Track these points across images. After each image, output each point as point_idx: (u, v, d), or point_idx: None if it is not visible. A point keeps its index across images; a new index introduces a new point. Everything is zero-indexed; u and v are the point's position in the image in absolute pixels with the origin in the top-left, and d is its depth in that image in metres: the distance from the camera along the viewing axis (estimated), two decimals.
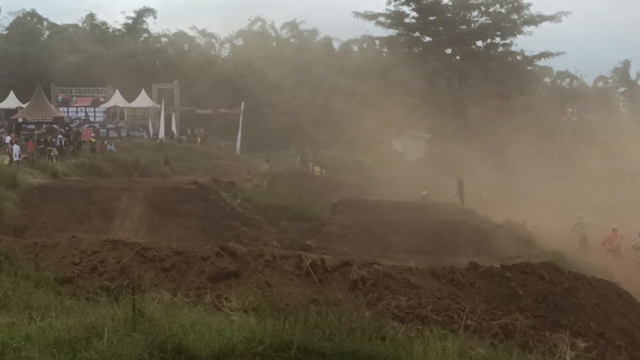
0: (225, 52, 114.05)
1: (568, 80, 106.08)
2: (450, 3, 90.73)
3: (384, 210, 41.59)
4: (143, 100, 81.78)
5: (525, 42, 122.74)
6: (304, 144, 79.78)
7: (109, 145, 66.66)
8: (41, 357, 9.15)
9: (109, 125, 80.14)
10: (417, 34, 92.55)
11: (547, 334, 14.00)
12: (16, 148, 48.17)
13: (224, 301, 13.58)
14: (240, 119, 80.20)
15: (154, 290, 13.13)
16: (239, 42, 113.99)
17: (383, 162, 71.67)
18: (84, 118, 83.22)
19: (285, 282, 15.62)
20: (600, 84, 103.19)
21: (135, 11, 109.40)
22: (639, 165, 65.02)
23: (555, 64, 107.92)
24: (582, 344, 13.34)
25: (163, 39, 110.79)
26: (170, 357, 9.31)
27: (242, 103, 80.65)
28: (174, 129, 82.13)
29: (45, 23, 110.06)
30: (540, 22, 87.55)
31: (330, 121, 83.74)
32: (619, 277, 24.76)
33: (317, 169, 69.60)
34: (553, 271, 17.93)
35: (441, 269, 17.15)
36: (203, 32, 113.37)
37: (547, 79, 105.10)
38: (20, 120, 67.28)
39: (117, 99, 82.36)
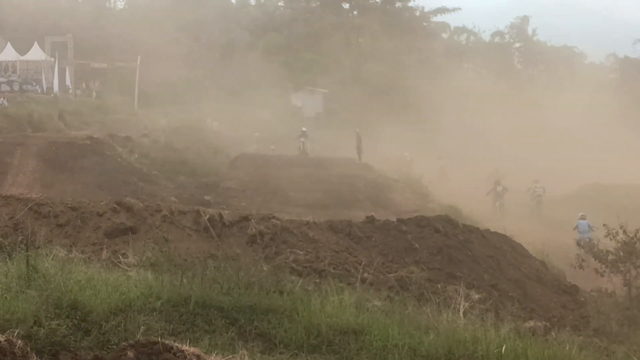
0: (120, 4, 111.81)
1: (465, 35, 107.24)
2: None
3: (282, 165, 41.66)
4: (36, 53, 79.65)
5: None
6: (202, 99, 79.04)
7: (0, 99, 64.85)
8: None
9: (1, 79, 77.94)
10: None
11: (442, 286, 14.30)
12: None
13: (120, 257, 13.47)
14: (137, 73, 78.96)
15: (48, 247, 12.94)
16: None
17: (282, 117, 71.65)
18: None
19: (183, 238, 15.58)
20: (497, 39, 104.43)
21: None
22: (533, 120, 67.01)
23: (454, 20, 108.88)
24: (476, 296, 13.68)
25: None
26: (65, 314, 9.19)
27: (139, 57, 79.36)
28: (68, 82, 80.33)
29: None
30: None
31: (228, 76, 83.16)
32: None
33: (215, 123, 69.15)
34: (448, 224, 18.28)
35: (339, 222, 17.32)
36: None
37: (444, 35, 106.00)
38: None
39: (8, 52, 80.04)
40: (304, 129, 53.68)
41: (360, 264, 14.38)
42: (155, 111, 72.37)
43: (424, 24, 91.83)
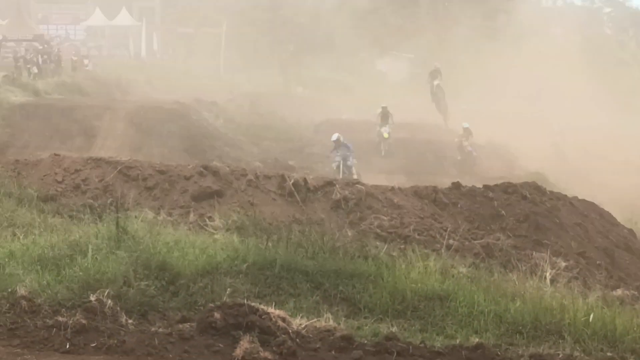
0: None
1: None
2: None
3: (367, 130, 41.54)
4: (124, 18, 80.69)
5: None
6: (287, 64, 79.15)
7: (90, 64, 65.94)
8: (25, 273, 9.17)
9: (90, 44, 79.19)
10: None
11: (529, 253, 14.12)
12: None
13: (207, 220, 13.62)
14: (223, 38, 79.40)
15: (137, 209, 13.15)
16: None
17: (366, 82, 71.31)
18: (64, 36, 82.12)
19: (268, 202, 15.65)
20: (587, 3, 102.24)
21: None
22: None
23: None
24: (562, 263, 13.49)
25: None
26: (154, 275, 9.35)
27: (225, 21, 79.75)
28: (155, 47, 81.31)
29: None
30: None
31: (313, 41, 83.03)
32: None
33: (299, 88, 69.27)
34: (535, 191, 18.01)
35: (424, 188, 17.19)
36: None
37: None
38: None
39: (97, 17, 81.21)
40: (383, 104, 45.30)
41: (445, 230, 14.27)
42: (241, 76, 72.76)
43: None
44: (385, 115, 41.64)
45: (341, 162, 33.53)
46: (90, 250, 9.68)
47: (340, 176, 32.25)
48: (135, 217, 11.72)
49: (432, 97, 50.04)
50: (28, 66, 55.73)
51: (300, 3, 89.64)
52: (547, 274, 11.56)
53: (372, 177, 31.19)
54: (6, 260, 9.58)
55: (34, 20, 78.25)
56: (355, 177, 32.68)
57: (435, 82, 50.28)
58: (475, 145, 40.41)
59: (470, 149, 39.64)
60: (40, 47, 61.17)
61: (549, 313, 9.39)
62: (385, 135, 40.67)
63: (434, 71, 51.15)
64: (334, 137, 34.45)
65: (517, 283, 10.79)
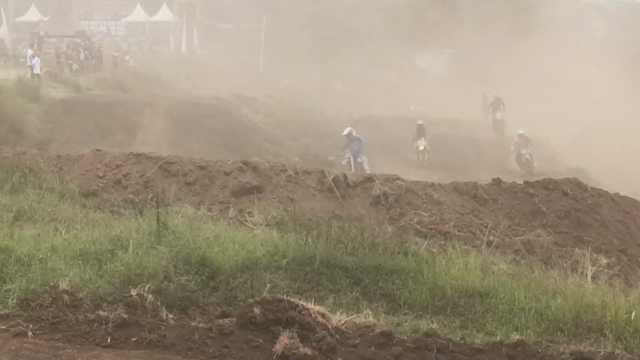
0: None
1: None
2: None
3: (406, 126, 41.46)
4: (164, 14, 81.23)
5: None
6: (326, 60, 79.16)
7: (131, 60, 66.46)
8: (67, 268, 9.25)
9: (131, 40, 79.81)
10: None
11: (570, 250, 14.02)
12: (37, 61, 47.94)
13: (246, 215, 13.66)
14: (263, 34, 79.59)
15: (177, 204, 13.21)
16: None
17: (406, 77, 71.12)
18: (105, 32, 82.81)
19: (308, 197, 15.68)
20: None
21: None
22: None
23: None
24: (604, 260, 13.36)
25: None
26: (194, 270, 9.38)
27: (264, 17, 79.95)
28: (195, 43, 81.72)
29: None
30: None
31: (352, 36, 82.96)
32: None
33: (338, 84, 69.27)
34: (576, 187, 17.87)
35: (464, 184, 17.14)
36: None
37: None
38: (42, 33, 66.93)
39: (138, 13, 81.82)
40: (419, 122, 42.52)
41: (485, 227, 14.20)
42: (280, 72, 72.91)
43: None
44: (421, 131, 39.72)
45: (351, 158, 33.02)
46: (131, 245, 9.74)
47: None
48: (176, 212, 11.77)
49: (493, 128, 48.75)
50: (69, 62, 56.27)
51: None
52: (588, 271, 11.45)
53: (410, 172, 31.19)
54: (49, 254, 9.67)
55: (75, 17, 78.94)
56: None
57: (498, 115, 49.06)
58: (534, 151, 39.16)
59: (528, 157, 38.41)
60: (82, 43, 61.68)
61: (590, 310, 9.30)
62: (421, 147, 39.01)
63: (495, 101, 49.79)
64: (346, 131, 34.16)
65: (557, 280, 10.70)
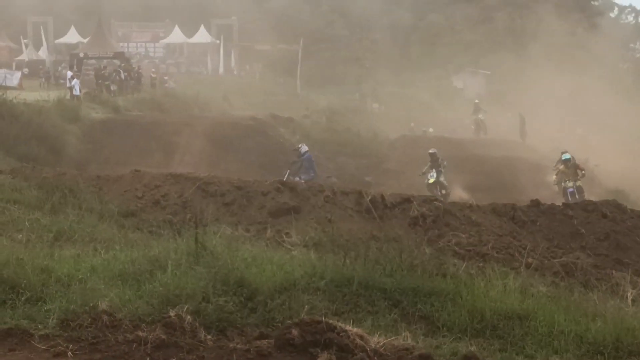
0: None
1: (633, 15, 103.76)
2: None
3: (443, 147, 41.35)
4: (202, 35, 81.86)
5: None
6: (363, 80, 79.35)
7: (170, 81, 67.00)
8: (106, 288, 9.28)
9: (169, 61, 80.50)
10: None
11: (609, 273, 13.89)
12: (76, 83, 48.41)
13: (284, 236, 13.67)
14: (299, 55, 79.93)
15: (215, 224, 13.24)
16: None
17: (442, 98, 71.08)
18: (143, 53, 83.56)
19: (345, 218, 15.67)
20: None
21: None
22: None
23: None
24: None
25: None
26: (232, 291, 9.38)
27: (301, 39, 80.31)
28: (233, 64, 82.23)
29: None
30: None
31: (389, 57, 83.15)
32: None
33: (375, 105, 69.38)
34: (616, 209, 17.74)
35: (502, 206, 17.07)
36: None
37: (611, 14, 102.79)
38: (81, 55, 67.60)
39: (176, 35, 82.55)
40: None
41: (524, 249, 14.11)
42: (317, 92, 73.22)
43: (592, 2, 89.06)
44: (434, 161, 33.87)
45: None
46: (169, 266, 9.77)
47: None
48: (214, 232, 11.80)
49: (474, 131, 51.18)
50: (107, 83, 56.79)
51: (376, 20, 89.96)
52: (629, 294, 11.34)
53: (451, 192, 31.11)
54: (88, 275, 9.72)
55: (114, 38, 79.70)
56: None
57: (481, 116, 51.37)
58: (586, 181, 34.48)
59: (573, 190, 32.29)
60: (122, 65, 62.29)
61: (631, 334, 9.19)
62: (431, 180, 33.41)
63: (476, 105, 52.34)
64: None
65: (597, 303, 10.59)
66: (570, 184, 32.20)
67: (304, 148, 31.30)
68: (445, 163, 32.73)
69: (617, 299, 10.92)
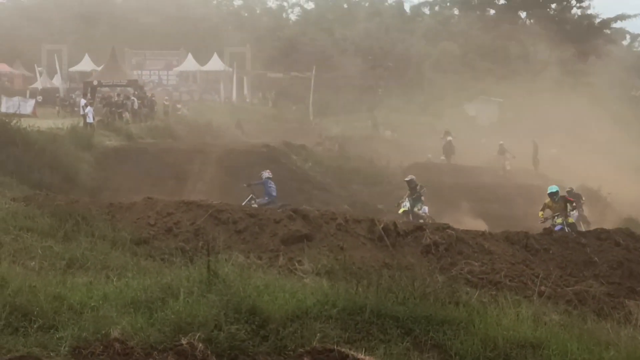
0: (295, 15, 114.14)
1: None
2: None
3: (456, 174, 41.33)
4: (215, 63, 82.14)
5: (600, 4, 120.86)
6: (375, 108, 79.46)
7: (183, 108, 67.24)
8: (118, 316, 9.30)
9: (182, 89, 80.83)
10: None
11: (622, 301, 13.82)
12: (90, 110, 48.58)
13: (296, 264, 13.68)
14: (312, 83, 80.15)
15: (227, 252, 13.27)
16: (310, 5, 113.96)
17: (455, 126, 71.02)
18: (157, 81, 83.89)
19: (358, 246, 15.65)
20: None
21: None
22: None
23: (632, 26, 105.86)
24: None
25: (236, 2, 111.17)
26: (244, 319, 9.38)
27: (314, 67, 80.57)
28: (245, 92, 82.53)
29: None
30: None
31: (401, 85, 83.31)
32: None
33: (387, 132, 69.40)
34: (629, 237, 17.69)
35: (515, 234, 17.03)
36: None
37: (623, 42, 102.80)
38: (95, 83, 67.89)
39: (189, 63, 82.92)
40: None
41: (537, 277, 14.06)
42: (329, 120, 73.33)
43: (605, 31, 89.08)
44: (413, 189, 30.43)
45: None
46: (182, 294, 9.78)
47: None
48: (226, 260, 11.81)
49: (444, 154, 51.62)
50: (119, 110, 56.98)
51: (389, 47, 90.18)
52: None
53: (465, 219, 30.97)
54: (100, 302, 9.73)
55: (127, 66, 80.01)
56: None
57: (450, 138, 52.03)
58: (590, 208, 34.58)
59: (561, 227, 26.77)
60: (135, 92, 62.53)
61: None
62: (401, 210, 29.93)
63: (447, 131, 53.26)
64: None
65: (610, 331, 10.55)
66: (559, 220, 26.87)
67: (265, 174, 30.97)
68: (424, 190, 30.37)
69: (630, 327, 10.88)
